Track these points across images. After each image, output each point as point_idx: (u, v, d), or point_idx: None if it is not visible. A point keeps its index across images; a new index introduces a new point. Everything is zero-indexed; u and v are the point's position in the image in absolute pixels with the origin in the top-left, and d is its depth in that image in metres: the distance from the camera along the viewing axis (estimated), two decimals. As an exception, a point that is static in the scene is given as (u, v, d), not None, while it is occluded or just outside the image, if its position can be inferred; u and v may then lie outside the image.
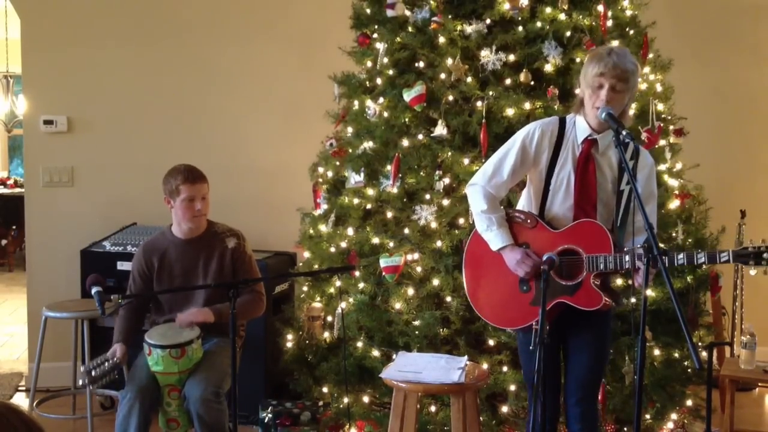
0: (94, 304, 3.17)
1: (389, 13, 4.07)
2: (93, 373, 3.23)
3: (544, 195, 2.96)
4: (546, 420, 2.86)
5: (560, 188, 2.93)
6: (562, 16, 3.86)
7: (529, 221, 2.97)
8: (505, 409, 3.75)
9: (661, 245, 2.96)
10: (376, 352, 3.91)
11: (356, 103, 4.25)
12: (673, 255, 2.74)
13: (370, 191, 4.07)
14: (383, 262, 3.84)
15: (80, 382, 3.28)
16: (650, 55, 4.10)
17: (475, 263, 3.09)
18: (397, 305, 3.87)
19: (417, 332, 3.80)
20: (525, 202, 3.08)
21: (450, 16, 3.92)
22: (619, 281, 3.30)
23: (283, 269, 4.62)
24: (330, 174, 4.33)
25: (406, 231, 3.93)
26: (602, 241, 2.83)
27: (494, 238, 2.97)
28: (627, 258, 2.77)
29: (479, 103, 3.82)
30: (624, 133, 2.67)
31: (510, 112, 3.76)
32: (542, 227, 2.94)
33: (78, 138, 5.03)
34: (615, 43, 3.94)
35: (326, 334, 4.18)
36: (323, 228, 4.27)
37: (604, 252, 2.81)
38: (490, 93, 3.80)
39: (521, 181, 3.16)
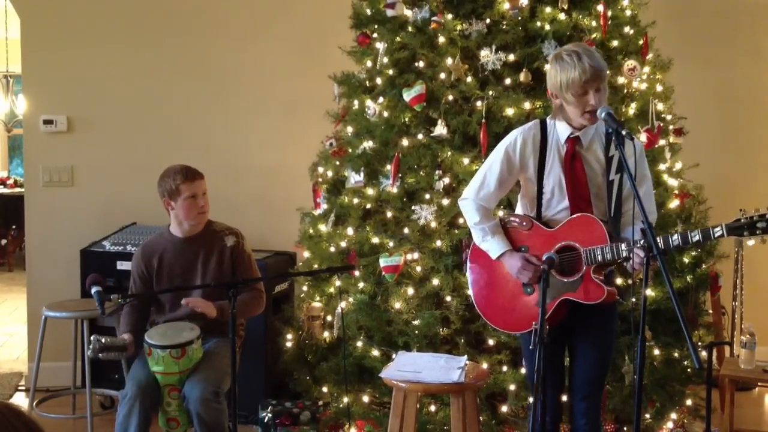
0: (94, 304, 3.17)
1: (389, 12, 4.07)
2: (102, 340, 3.23)
3: (539, 199, 2.97)
4: (548, 419, 2.87)
5: (553, 190, 2.93)
6: (562, 16, 3.86)
7: (524, 224, 2.98)
8: (504, 408, 3.75)
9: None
10: (375, 352, 3.91)
11: (356, 102, 4.25)
12: (668, 237, 2.74)
13: (370, 191, 4.07)
14: (383, 262, 3.84)
15: (89, 352, 3.29)
16: (650, 55, 4.10)
17: (479, 273, 3.10)
18: (397, 305, 3.87)
19: (417, 332, 3.80)
20: (521, 208, 3.09)
21: (450, 16, 3.92)
22: (619, 281, 3.31)
23: (283, 269, 4.61)
24: (330, 174, 4.33)
25: (406, 231, 3.93)
26: (597, 232, 2.83)
27: (491, 247, 2.99)
28: (623, 246, 2.77)
29: (479, 103, 3.82)
30: (624, 132, 2.67)
31: (510, 111, 3.76)
32: (538, 228, 2.95)
33: (78, 138, 5.03)
34: (615, 42, 3.95)
35: (326, 334, 4.18)
36: (323, 228, 4.27)
37: (601, 243, 2.81)
38: (490, 93, 3.80)
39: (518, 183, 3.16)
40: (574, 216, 2.89)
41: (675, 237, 2.74)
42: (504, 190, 3.05)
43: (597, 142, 2.91)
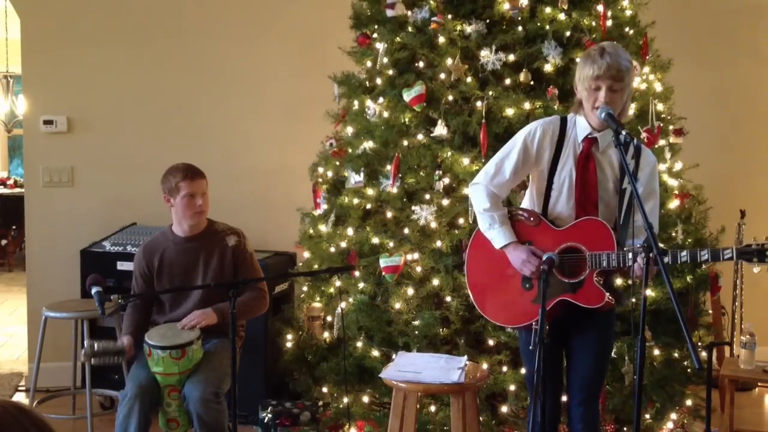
0: (94, 304, 3.17)
1: (389, 13, 4.07)
2: (96, 346, 3.23)
3: (547, 194, 2.96)
4: (546, 420, 2.87)
5: (562, 187, 2.92)
6: (562, 16, 3.86)
7: (532, 219, 2.97)
8: (504, 409, 3.75)
9: (661, 245, 2.95)
10: (375, 352, 3.91)
11: (356, 103, 4.25)
12: (676, 253, 2.74)
13: (370, 191, 4.07)
14: (383, 262, 3.84)
15: (82, 356, 3.29)
16: (650, 55, 4.10)
17: (478, 263, 3.09)
18: (397, 305, 3.87)
19: (417, 332, 3.80)
20: (528, 202, 3.08)
21: (450, 16, 3.92)
22: (619, 281, 3.31)
23: (283, 269, 4.61)
24: (330, 174, 4.33)
25: (406, 231, 3.93)
26: (605, 238, 2.83)
27: (497, 236, 2.97)
28: (630, 255, 2.76)
29: (479, 103, 3.82)
30: (624, 132, 2.67)
31: (510, 112, 3.76)
32: (545, 225, 2.94)
33: (78, 138, 5.03)
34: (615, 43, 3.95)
35: (326, 334, 4.18)
36: (323, 228, 4.27)
37: (608, 249, 2.81)
38: (490, 93, 3.80)
39: (522, 181, 3.16)
40: (584, 218, 2.88)
41: (684, 254, 2.73)
42: (516, 181, 3.05)
43: (614, 148, 2.90)
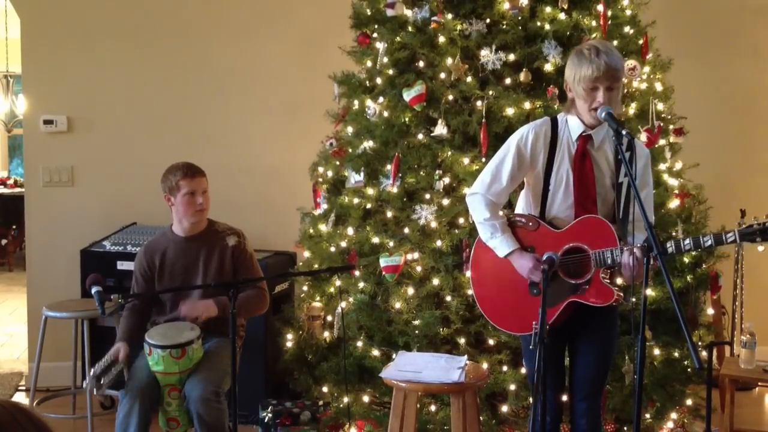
0: (94, 304, 3.17)
1: (389, 12, 4.07)
2: (102, 380, 3.22)
3: (544, 196, 2.95)
4: (548, 419, 2.86)
5: (559, 187, 2.92)
6: (562, 16, 3.86)
7: (531, 224, 2.95)
8: (505, 408, 3.75)
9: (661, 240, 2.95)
10: (375, 352, 3.91)
11: (356, 102, 4.25)
12: (679, 241, 2.73)
13: (370, 191, 4.07)
14: (383, 262, 3.84)
15: (88, 389, 3.28)
16: (650, 55, 4.10)
17: (482, 272, 3.08)
18: (397, 305, 3.87)
19: (417, 332, 3.80)
20: (524, 205, 3.07)
21: (450, 16, 3.92)
22: (620, 281, 3.31)
23: (283, 269, 4.61)
24: (330, 174, 4.33)
25: (406, 230, 3.93)
26: (607, 235, 2.82)
27: (500, 244, 2.95)
28: (631, 251, 2.75)
29: (479, 103, 3.82)
30: (624, 132, 2.66)
31: (510, 111, 3.76)
32: (545, 228, 2.93)
33: (78, 138, 5.03)
34: (615, 42, 3.95)
35: (326, 334, 4.18)
36: (323, 228, 4.27)
37: (611, 246, 2.80)
38: (490, 92, 3.80)
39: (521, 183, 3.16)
40: (583, 217, 2.88)
41: (687, 241, 2.72)
42: (514, 186, 3.03)
43: (608, 143, 2.89)
